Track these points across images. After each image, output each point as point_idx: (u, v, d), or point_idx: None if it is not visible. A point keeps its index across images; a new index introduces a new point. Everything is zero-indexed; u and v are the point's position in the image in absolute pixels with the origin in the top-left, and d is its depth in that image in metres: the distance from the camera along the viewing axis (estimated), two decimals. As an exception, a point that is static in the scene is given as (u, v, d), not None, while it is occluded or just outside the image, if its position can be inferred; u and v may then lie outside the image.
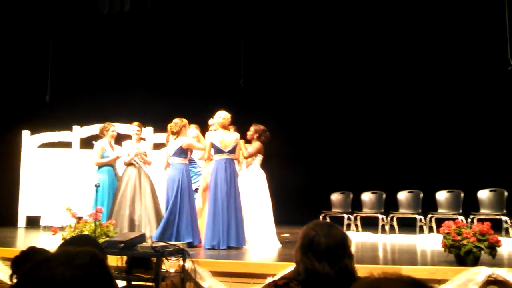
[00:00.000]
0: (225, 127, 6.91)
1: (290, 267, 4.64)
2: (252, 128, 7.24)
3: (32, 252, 2.60)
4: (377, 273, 1.23)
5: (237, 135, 6.99)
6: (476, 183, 8.40)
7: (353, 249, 2.11)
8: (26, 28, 10.42)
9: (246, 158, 7.11)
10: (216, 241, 6.50)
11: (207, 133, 7.04)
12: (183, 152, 7.04)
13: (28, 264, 2.41)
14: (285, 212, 10.68)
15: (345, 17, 10.47)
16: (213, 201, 6.65)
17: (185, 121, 7.20)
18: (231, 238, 6.55)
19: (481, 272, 4.64)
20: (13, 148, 10.04)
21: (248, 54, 10.06)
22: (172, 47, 11.02)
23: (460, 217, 7.36)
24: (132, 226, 7.36)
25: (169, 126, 7.26)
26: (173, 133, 7.22)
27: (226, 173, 6.71)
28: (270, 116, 10.93)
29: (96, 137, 8.41)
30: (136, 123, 7.87)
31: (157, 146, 9.03)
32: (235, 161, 6.99)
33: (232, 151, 6.85)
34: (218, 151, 6.81)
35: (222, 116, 6.93)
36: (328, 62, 10.74)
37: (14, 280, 2.48)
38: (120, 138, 8.30)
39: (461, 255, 4.98)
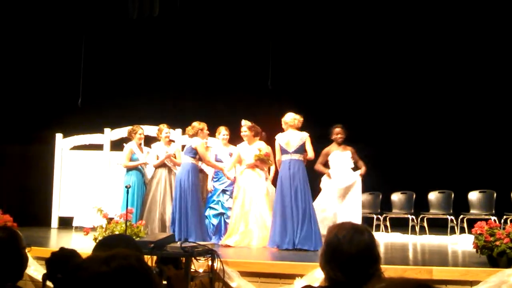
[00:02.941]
0: (295, 127, 6.87)
1: (318, 268, 4.63)
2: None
3: (63, 253, 2.67)
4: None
5: (305, 134, 6.85)
6: (510, 183, 8.22)
7: (382, 249, 2.08)
8: (59, 35, 10.66)
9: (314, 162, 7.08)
10: (283, 240, 6.47)
11: (276, 136, 7.00)
12: (192, 151, 7.25)
13: (62, 264, 2.50)
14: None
15: (377, 17, 10.36)
16: (279, 200, 6.66)
17: (203, 124, 7.39)
18: (301, 240, 6.42)
19: (515, 274, 4.54)
20: (46, 151, 10.27)
21: (276, 55, 10.07)
22: (200, 49, 11.11)
23: (493, 218, 7.21)
24: (163, 226, 7.46)
25: (187, 129, 7.45)
26: (189, 135, 7.43)
27: (289, 172, 6.66)
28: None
29: (126, 140, 8.56)
30: (164, 125, 7.99)
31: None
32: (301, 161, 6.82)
33: (298, 151, 6.77)
34: (284, 151, 6.83)
35: (288, 118, 6.94)
36: (356, 61, 10.66)
37: (48, 282, 2.57)
38: (150, 140, 8.42)
39: (494, 257, 4.88)
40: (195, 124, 7.37)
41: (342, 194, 7.39)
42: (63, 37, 10.69)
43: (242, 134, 7.36)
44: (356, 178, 7.48)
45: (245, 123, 7.36)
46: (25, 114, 10.56)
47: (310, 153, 6.80)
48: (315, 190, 7.34)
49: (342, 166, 7.54)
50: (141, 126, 8.34)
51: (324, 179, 7.59)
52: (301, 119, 6.98)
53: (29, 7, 10.28)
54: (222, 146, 7.74)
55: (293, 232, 6.46)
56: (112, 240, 2.63)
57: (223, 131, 7.73)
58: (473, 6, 9.64)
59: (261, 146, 7.25)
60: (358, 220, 6.95)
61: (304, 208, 6.52)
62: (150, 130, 8.89)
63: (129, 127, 8.33)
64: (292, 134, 6.84)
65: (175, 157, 7.77)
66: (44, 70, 10.72)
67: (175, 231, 6.83)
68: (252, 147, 7.24)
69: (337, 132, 7.66)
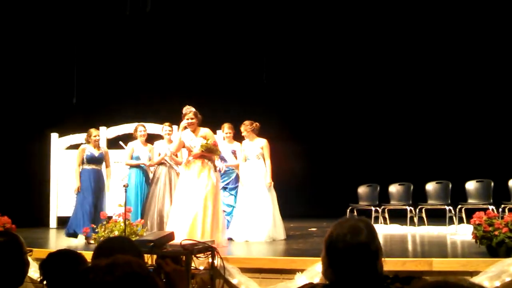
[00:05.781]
0: None
1: (318, 262, 4.63)
2: None
3: (60, 255, 2.61)
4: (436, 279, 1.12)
5: None
6: (507, 172, 8.24)
7: (381, 242, 2.02)
8: (53, 33, 10.58)
9: None
10: None
11: None
12: None
13: (61, 267, 2.45)
14: (313, 206, 10.70)
15: (367, 15, 10.35)
16: None
17: (92, 131, 7.72)
18: None
19: (515, 263, 4.55)
20: (42, 151, 10.24)
21: (271, 49, 10.04)
22: (195, 45, 11.06)
23: (491, 207, 7.22)
24: (161, 222, 7.46)
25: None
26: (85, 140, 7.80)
27: None
28: (295, 111, 10.93)
29: (123, 138, 8.53)
30: (167, 124, 7.94)
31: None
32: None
33: None
34: None
35: None
36: (351, 54, 10.66)
37: (44, 282, 2.53)
38: (150, 138, 8.31)
39: (493, 246, 4.89)
40: (91, 130, 7.72)
41: None
42: (57, 35, 10.61)
43: (188, 122, 6.49)
44: None
45: (189, 109, 6.49)
46: (20, 114, 10.50)
47: None
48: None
49: None
50: (144, 124, 8.27)
51: None
52: None
53: (23, 7, 10.19)
54: (226, 143, 7.70)
55: None
56: (109, 246, 2.59)
57: (226, 129, 7.72)
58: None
59: (207, 134, 6.52)
60: None
61: None
62: (150, 127, 8.80)
63: (130, 125, 8.30)
64: None
65: (176, 156, 7.72)
66: (38, 69, 10.65)
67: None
68: (197, 136, 6.53)
69: None
